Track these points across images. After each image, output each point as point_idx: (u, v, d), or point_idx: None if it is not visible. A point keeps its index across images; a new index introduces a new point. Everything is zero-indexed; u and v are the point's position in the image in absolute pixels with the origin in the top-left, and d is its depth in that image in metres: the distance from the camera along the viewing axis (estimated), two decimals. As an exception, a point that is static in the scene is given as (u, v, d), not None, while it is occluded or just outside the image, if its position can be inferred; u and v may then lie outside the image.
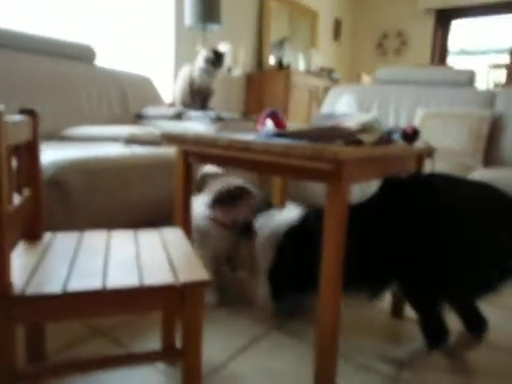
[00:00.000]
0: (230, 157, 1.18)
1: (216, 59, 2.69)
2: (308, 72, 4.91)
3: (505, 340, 1.34)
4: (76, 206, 1.49)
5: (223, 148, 1.14)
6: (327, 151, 0.92)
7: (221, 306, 1.47)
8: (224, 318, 1.40)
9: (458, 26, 5.34)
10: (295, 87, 4.34)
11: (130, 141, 1.98)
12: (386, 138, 1.22)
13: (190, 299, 0.82)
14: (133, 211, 1.73)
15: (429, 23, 5.24)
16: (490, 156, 2.31)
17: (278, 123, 1.24)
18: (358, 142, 1.06)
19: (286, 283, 1.35)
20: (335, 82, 4.93)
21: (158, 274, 0.82)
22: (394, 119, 2.73)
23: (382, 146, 1.13)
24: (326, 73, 5.15)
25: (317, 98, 4.63)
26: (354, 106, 1.49)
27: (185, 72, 2.86)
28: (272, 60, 4.72)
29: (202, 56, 2.74)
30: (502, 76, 4.81)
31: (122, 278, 0.80)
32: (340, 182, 0.96)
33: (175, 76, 3.24)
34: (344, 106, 1.48)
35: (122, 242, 1.02)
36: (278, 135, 1.15)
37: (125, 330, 1.27)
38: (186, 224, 1.32)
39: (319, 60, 5.29)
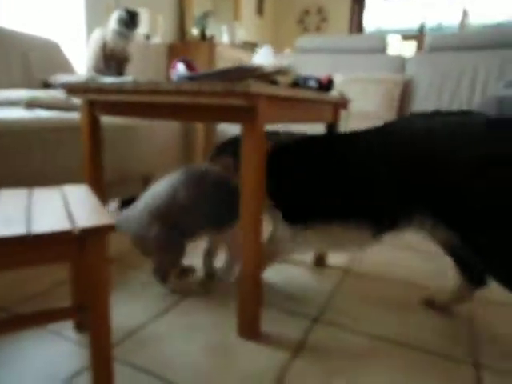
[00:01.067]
0: (139, 103, 1.08)
1: (130, 20, 2.49)
2: (232, 45, 4.82)
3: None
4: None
5: (130, 93, 1.04)
6: (239, 86, 0.87)
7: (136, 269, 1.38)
8: (145, 280, 1.32)
9: (372, 5, 5.58)
10: (220, 59, 4.24)
11: (32, 105, 1.76)
12: (301, 82, 1.21)
13: (90, 247, 0.73)
14: (37, 178, 1.54)
15: (346, 1, 5.41)
16: (402, 115, 2.45)
17: (191, 68, 1.16)
18: (273, 82, 1.03)
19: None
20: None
21: (50, 222, 0.72)
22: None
23: (301, 90, 1.11)
24: (250, 46, 5.11)
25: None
26: (271, 58, 1.45)
27: (97, 35, 2.61)
28: (195, 32, 4.56)
29: (114, 17, 2.52)
30: (412, 48, 5.19)
31: (5, 230, 0.68)
32: (256, 119, 0.92)
33: (87, 42, 2.96)
34: (262, 57, 1.44)
35: (12, 198, 0.88)
36: (190, 78, 1.08)
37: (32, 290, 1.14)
38: (95, 181, 1.20)
39: (243, 34, 5.22)
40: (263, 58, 1.49)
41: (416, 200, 0.94)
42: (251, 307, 1.01)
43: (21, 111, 1.62)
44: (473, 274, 1.12)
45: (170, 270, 1.25)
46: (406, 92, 2.49)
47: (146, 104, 1.07)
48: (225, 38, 5.02)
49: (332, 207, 1.06)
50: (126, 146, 1.98)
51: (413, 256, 1.63)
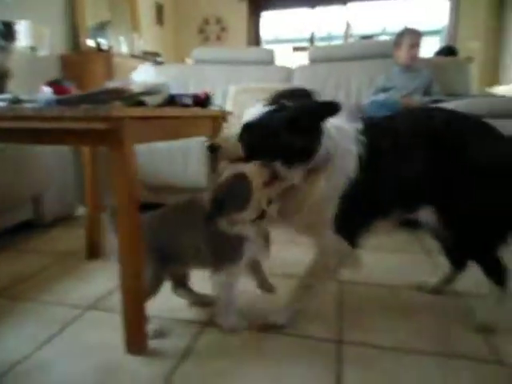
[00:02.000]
0: (4, 129, 1.04)
1: (7, 31, 2.34)
2: (132, 56, 4.73)
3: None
4: None
5: (-11, 119, 1.00)
6: (101, 110, 0.90)
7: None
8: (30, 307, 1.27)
9: (269, 16, 5.89)
10: (119, 70, 4.13)
11: None
12: (177, 99, 1.27)
13: None
14: None
15: (244, 12, 5.63)
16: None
17: (60, 90, 1.15)
18: (141, 103, 1.08)
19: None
20: (160, 65, 4.89)
21: None
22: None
23: (169, 108, 1.17)
24: (151, 56, 5.06)
25: (142, 81, 4.50)
26: (152, 74, 1.49)
27: (-33, 49, 2.40)
28: (92, 43, 4.39)
29: (-13, 30, 2.34)
30: (303, 58, 5.57)
31: None
32: (121, 142, 0.95)
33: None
34: (142, 75, 1.47)
35: None
36: (58, 102, 1.08)
37: None
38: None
39: (143, 44, 5.14)
40: (143, 75, 1.53)
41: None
42: (135, 323, 1.04)
43: None
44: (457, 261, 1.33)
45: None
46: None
47: (8, 129, 1.04)
48: (124, 49, 4.91)
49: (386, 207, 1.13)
50: (9, 170, 1.86)
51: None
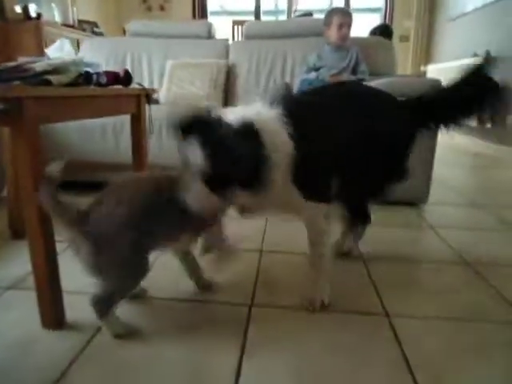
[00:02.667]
0: None
1: None
2: (65, 25, 4.46)
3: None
4: None
5: None
6: (-3, 90, 0.89)
7: None
8: None
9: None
10: (51, 41, 3.89)
11: None
12: (88, 80, 1.26)
13: None
14: None
15: (188, -20, 5.44)
16: (229, 102, 2.68)
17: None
18: (46, 83, 1.06)
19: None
20: (99, 36, 4.65)
21: None
22: (148, 70, 2.81)
23: (78, 88, 1.17)
24: (89, 26, 4.79)
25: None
26: (68, 51, 1.45)
27: None
28: (19, 9, 4.07)
29: None
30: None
31: None
32: (22, 122, 0.95)
33: None
34: (57, 51, 1.43)
35: None
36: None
37: None
38: None
39: (80, 12, 4.85)
40: (59, 51, 1.49)
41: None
42: (49, 298, 1.07)
43: None
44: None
45: (118, 301, 1.05)
46: (230, 76, 2.71)
47: None
48: (57, 17, 4.61)
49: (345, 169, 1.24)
50: None
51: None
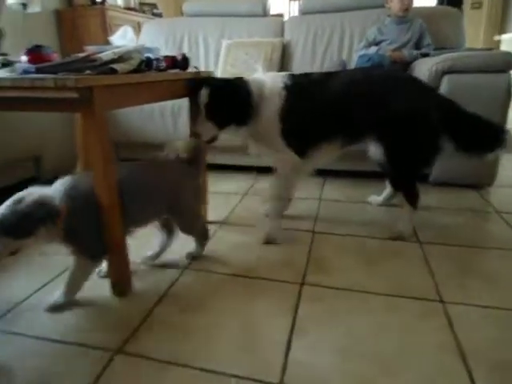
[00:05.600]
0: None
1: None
2: (128, 8, 4.62)
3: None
4: None
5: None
6: (69, 80, 0.98)
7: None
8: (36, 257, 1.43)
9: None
10: (115, 25, 4.07)
11: None
12: (149, 66, 1.33)
13: None
14: None
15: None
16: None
17: (36, 59, 1.22)
18: (112, 71, 1.14)
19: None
20: (158, 17, 4.77)
21: None
22: (204, 51, 2.86)
23: (141, 74, 1.23)
24: (149, 8, 4.93)
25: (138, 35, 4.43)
26: (130, 38, 1.53)
27: (-41, 10, 2.42)
28: (86, -5, 4.29)
29: (-25, -11, 2.34)
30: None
31: None
32: (92, 109, 1.03)
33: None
34: (120, 38, 1.51)
35: None
36: (37, 70, 1.15)
37: None
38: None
39: (140, -6, 4.99)
40: (122, 38, 1.57)
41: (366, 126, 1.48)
42: (119, 267, 1.18)
43: None
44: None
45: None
46: (285, 54, 2.68)
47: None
48: (120, 1, 4.78)
49: (323, 132, 1.52)
50: (10, 129, 1.97)
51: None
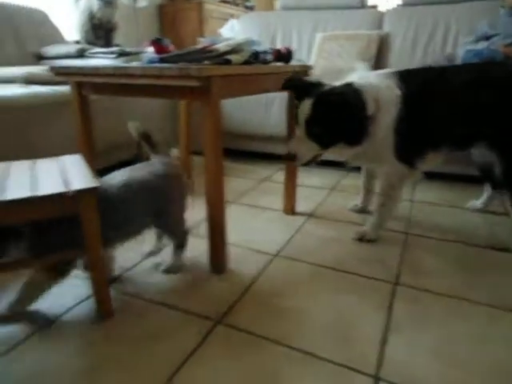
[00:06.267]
0: (116, 84, 1.27)
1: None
2: (223, 1, 4.79)
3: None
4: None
5: (107, 76, 1.23)
6: (193, 70, 1.06)
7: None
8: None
9: None
10: (211, 17, 4.25)
11: (29, 81, 1.95)
12: (257, 58, 1.38)
13: (82, 205, 0.97)
14: (34, 150, 1.74)
15: None
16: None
17: (160, 49, 1.33)
18: (227, 62, 1.21)
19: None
20: (250, 9, 4.89)
21: (50, 187, 0.96)
22: (297, 44, 2.87)
23: (252, 66, 1.29)
24: (241, 1, 5.06)
25: (232, 28, 4.58)
26: (237, 30, 1.60)
27: (83, 5, 2.72)
28: (185, -10, 4.53)
29: (97, -14, 2.61)
30: None
31: (17, 192, 0.92)
32: (209, 97, 1.11)
33: (74, 9, 3.05)
34: (228, 31, 1.59)
35: (20, 168, 1.12)
36: (161, 60, 1.27)
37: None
38: (87, 150, 1.43)
39: (234, -12, 5.14)
40: (230, 31, 1.65)
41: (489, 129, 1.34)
42: (218, 246, 1.26)
43: (19, 88, 1.81)
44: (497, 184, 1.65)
45: None
46: (382, 47, 2.59)
47: (121, 84, 1.27)
48: (215, -6, 4.97)
49: (441, 140, 1.38)
50: (119, 115, 2.17)
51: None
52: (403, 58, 2.53)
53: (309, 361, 0.92)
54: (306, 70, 1.60)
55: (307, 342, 0.98)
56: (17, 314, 1.05)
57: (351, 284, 1.23)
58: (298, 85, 1.28)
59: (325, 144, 1.24)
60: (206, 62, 1.17)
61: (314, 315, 1.08)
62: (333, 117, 1.17)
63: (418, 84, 1.32)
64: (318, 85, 1.26)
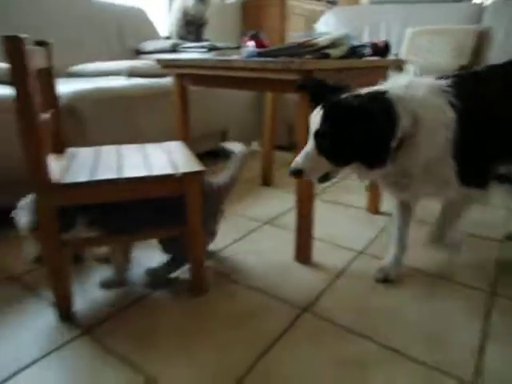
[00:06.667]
0: (217, 76, 1.35)
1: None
2: (305, -3, 4.77)
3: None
4: (90, 133, 1.69)
5: (210, 68, 1.31)
6: (295, 64, 1.09)
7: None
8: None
9: None
10: (292, 13, 4.27)
11: (132, 74, 2.12)
12: (354, 53, 1.37)
13: (188, 185, 1.05)
14: (137, 136, 1.90)
15: None
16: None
17: (260, 44, 1.38)
18: (326, 56, 1.22)
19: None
20: (333, 4, 4.81)
21: (161, 168, 1.05)
22: (385, 39, 2.78)
23: (349, 60, 1.29)
24: (324, -4, 5.00)
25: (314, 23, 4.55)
26: (333, 25, 1.60)
27: (178, 3, 2.89)
28: (269, -14, 4.59)
29: (192, -15, 2.76)
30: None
31: (133, 171, 1.03)
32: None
33: (170, 8, 3.25)
34: (323, 26, 1.60)
35: (132, 151, 1.24)
36: (259, 54, 1.32)
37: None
38: (185, 137, 1.54)
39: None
40: (325, 25, 1.66)
41: None
42: (304, 238, 1.29)
43: (123, 80, 1.99)
44: None
45: None
46: (480, 43, 2.42)
47: (222, 76, 1.34)
48: (298, -10, 4.97)
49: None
50: (207, 107, 2.29)
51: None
52: (506, 54, 2.33)
53: (398, 359, 0.91)
54: (399, 63, 1.56)
55: (398, 341, 0.97)
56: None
57: (441, 289, 1.18)
58: (315, 87, 1.05)
59: (337, 162, 0.98)
60: (307, 57, 1.19)
61: (404, 314, 1.07)
62: (345, 131, 0.91)
63: (483, 99, 1.04)
64: (338, 89, 1.00)
